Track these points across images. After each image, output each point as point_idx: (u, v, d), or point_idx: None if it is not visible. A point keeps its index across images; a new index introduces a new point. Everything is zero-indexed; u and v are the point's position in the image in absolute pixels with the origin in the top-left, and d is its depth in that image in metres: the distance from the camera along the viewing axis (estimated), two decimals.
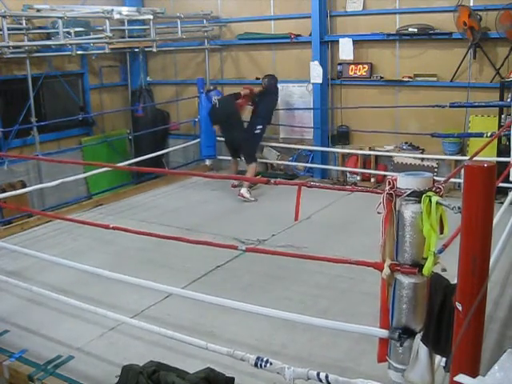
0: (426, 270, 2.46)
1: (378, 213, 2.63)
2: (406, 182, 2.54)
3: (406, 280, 2.58)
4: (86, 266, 4.14)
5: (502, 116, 7.21)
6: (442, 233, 2.46)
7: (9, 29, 7.72)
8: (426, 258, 2.48)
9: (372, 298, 3.92)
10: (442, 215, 2.43)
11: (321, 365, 3.43)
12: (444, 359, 2.59)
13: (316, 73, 8.63)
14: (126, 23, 9.86)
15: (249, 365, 3.05)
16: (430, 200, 2.40)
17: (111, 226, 3.95)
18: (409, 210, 2.52)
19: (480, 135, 7.11)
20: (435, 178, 2.67)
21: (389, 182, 2.59)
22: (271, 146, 9.54)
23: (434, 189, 2.49)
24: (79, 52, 9.08)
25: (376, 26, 8.33)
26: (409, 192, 2.49)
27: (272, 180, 3.29)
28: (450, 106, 7.32)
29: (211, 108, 8.51)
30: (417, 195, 2.48)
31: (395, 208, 2.57)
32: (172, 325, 4.03)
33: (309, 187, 3.07)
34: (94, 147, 9.91)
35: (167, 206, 7.53)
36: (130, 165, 8.45)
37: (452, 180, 7.07)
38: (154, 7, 9.88)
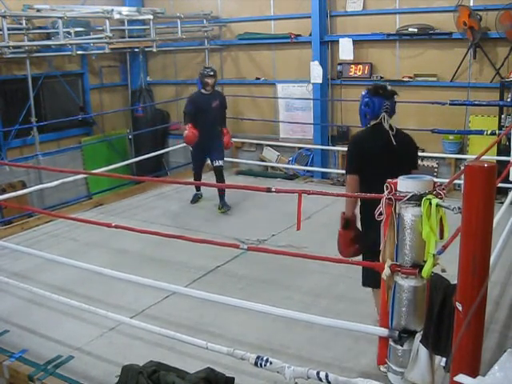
0: (425, 272, 2.46)
1: (378, 218, 2.63)
2: (405, 185, 2.54)
3: (405, 283, 2.59)
4: (86, 265, 4.14)
5: (502, 116, 7.22)
6: (442, 237, 2.46)
7: (9, 29, 7.72)
8: (426, 261, 2.48)
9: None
10: (442, 218, 2.43)
11: (321, 364, 3.43)
12: (444, 359, 2.59)
13: (316, 73, 8.63)
14: (126, 23, 9.87)
15: (249, 364, 3.05)
16: (430, 203, 2.40)
17: (113, 224, 3.96)
18: (409, 214, 2.52)
19: (480, 133, 7.14)
20: (435, 179, 2.67)
21: (387, 186, 2.59)
22: (271, 146, 9.56)
23: (434, 192, 2.49)
24: (79, 52, 9.08)
25: (376, 26, 8.33)
26: (409, 196, 2.49)
27: (273, 188, 3.28)
28: (450, 104, 7.33)
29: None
30: (417, 198, 2.48)
31: (395, 211, 2.57)
32: (172, 324, 4.03)
33: (309, 194, 3.06)
34: (93, 147, 9.92)
35: (167, 207, 7.52)
36: (129, 164, 8.39)
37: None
38: (154, 7, 9.89)
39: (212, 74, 7.03)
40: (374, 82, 8.48)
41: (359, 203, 3.75)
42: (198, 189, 7.67)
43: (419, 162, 8.12)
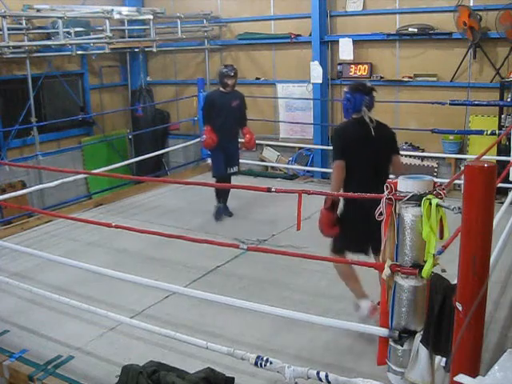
0: (424, 272, 2.46)
1: (378, 218, 2.63)
2: (406, 185, 2.54)
3: (405, 283, 2.58)
4: (86, 265, 4.13)
5: (502, 116, 7.23)
6: (441, 237, 2.46)
7: (9, 29, 7.74)
8: (426, 261, 2.48)
9: (372, 299, 3.93)
10: (442, 218, 2.43)
11: (321, 364, 3.43)
12: (444, 359, 2.59)
13: (316, 73, 8.63)
14: (125, 23, 9.87)
15: (249, 364, 3.05)
16: (430, 203, 2.40)
17: (113, 224, 3.96)
18: (409, 214, 2.51)
19: (480, 132, 7.15)
20: (435, 179, 2.67)
21: (387, 186, 2.59)
22: (271, 146, 9.56)
23: (434, 192, 2.49)
24: (79, 52, 9.09)
25: (376, 26, 8.33)
26: (409, 196, 2.49)
27: (273, 188, 3.31)
28: (450, 104, 7.33)
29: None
30: (417, 198, 2.48)
31: (395, 211, 2.57)
32: (172, 324, 4.03)
33: (309, 194, 3.07)
34: (94, 147, 9.93)
35: (167, 206, 7.52)
36: (129, 164, 8.36)
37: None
38: (154, 7, 9.90)
39: (232, 74, 6.58)
40: (374, 82, 8.50)
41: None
42: (223, 199, 6.82)
43: (419, 161, 8.18)
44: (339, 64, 8.74)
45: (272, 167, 9.63)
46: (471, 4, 7.55)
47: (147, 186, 8.39)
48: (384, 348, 2.77)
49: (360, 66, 8.56)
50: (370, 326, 2.99)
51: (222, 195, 6.84)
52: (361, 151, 3.97)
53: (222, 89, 6.70)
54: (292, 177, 9.00)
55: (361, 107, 4.05)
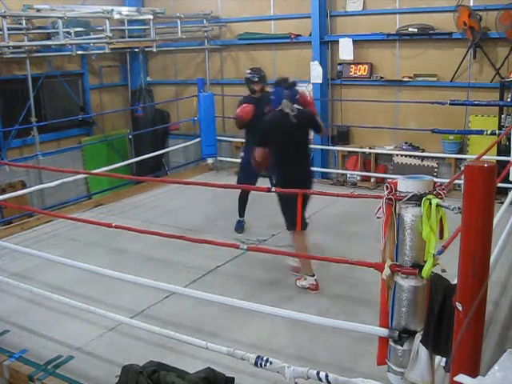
0: (424, 272, 2.46)
1: (378, 217, 2.63)
2: (406, 185, 2.54)
3: (405, 283, 2.58)
4: (86, 265, 4.13)
5: (502, 116, 7.23)
6: (441, 237, 2.46)
7: (9, 29, 7.74)
8: (426, 261, 2.48)
9: (372, 299, 3.93)
10: (442, 218, 2.43)
11: (321, 364, 3.43)
12: (444, 359, 2.59)
13: (316, 73, 8.63)
14: (125, 23, 9.88)
15: (249, 364, 3.05)
16: (430, 203, 2.40)
17: (113, 224, 3.96)
18: (409, 214, 2.52)
19: (480, 132, 7.15)
20: (435, 179, 2.67)
21: (387, 186, 2.59)
22: None
23: (434, 192, 2.49)
24: (79, 52, 9.10)
25: (376, 26, 8.33)
26: (409, 196, 2.49)
27: (273, 188, 3.33)
28: (450, 104, 7.34)
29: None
30: (417, 198, 2.48)
31: (395, 211, 2.57)
32: (172, 324, 4.03)
33: (309, 194, 3.08)
34: (94, 147, 9.93)
35: (167, 207, 7.52)
36: (129, 164, 8.36)
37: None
38: (154, 7, 9.91)
39: (257, 80, 6.06)
40: (374, 82, 8.51)
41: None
42: (242, 213, 6.41)
43: (419, 161, 8.18)
44: (339, 64, 8.74)
45: None
46: (471, 4, 7.55)
47: (147, 185, 8.37)
48: (384, 348, 2.77)
49: (360, 65, 8.57)
50: (370, 325, 2.99)
51: (242, 209, 6.41)
52: (284, 135, 4.71)
53: (252, 94, 6.16)
54: None
55: (281, 99, 4.69)
